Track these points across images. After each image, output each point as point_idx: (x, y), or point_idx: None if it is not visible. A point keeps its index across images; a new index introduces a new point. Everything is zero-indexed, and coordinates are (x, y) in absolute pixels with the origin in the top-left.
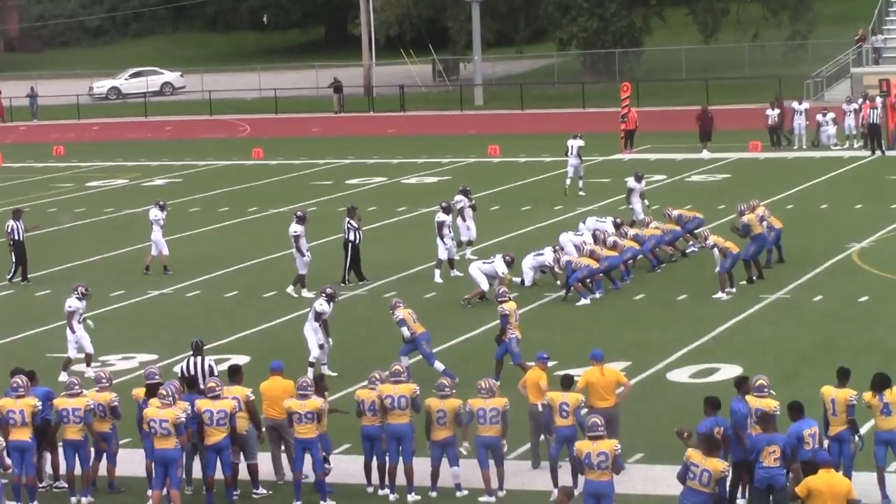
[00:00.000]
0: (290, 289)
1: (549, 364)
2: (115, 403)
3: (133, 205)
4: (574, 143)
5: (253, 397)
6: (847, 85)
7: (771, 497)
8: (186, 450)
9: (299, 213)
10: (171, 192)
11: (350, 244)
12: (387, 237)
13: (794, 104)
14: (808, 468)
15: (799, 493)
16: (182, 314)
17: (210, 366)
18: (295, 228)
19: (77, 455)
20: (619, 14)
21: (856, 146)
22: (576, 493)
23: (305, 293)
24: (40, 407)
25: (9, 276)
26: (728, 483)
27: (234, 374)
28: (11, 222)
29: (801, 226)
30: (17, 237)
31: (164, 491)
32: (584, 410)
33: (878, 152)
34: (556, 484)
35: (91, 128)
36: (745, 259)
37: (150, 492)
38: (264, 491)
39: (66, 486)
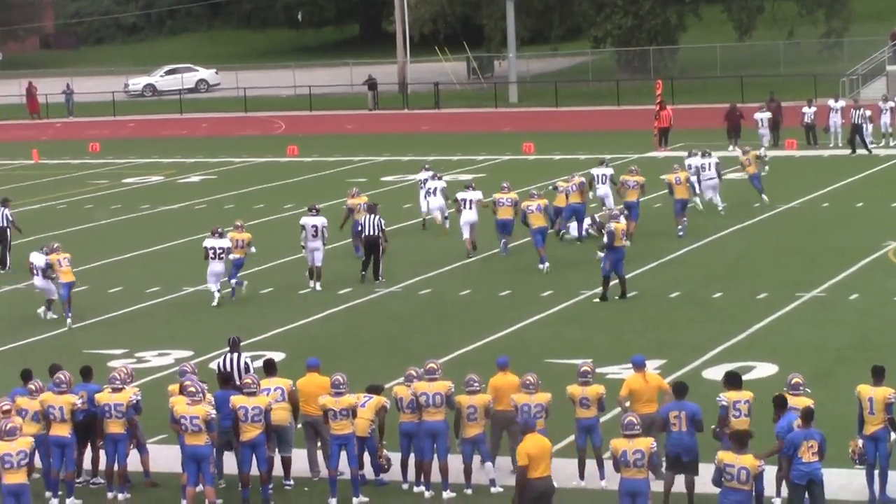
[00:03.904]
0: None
1: (580, 361)
2: (137, 399)
3: (168, 202)
4: (763, 116)
5: (295, 388)
6: (883, 83)
7: (807, 493)
8: (217, 444)
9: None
10: (206, 189)
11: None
12: (421, 234)
13: (830, 102)
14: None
15: (521, 464)
16: (218, 311)
17: (246, 363)
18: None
19: (116, 450)
20: (653, 11)
21: (892, 144)
22: (603, 485)
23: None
24: (79, 404)
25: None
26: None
27: (271, 369)
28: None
29: (836, 224)
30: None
31: (199, 487)
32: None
33: (863, 150)
34: (581, 475)
35: (126, 125)
36: (605, 275)
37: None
38: (292, 482)
39: (103, 482)
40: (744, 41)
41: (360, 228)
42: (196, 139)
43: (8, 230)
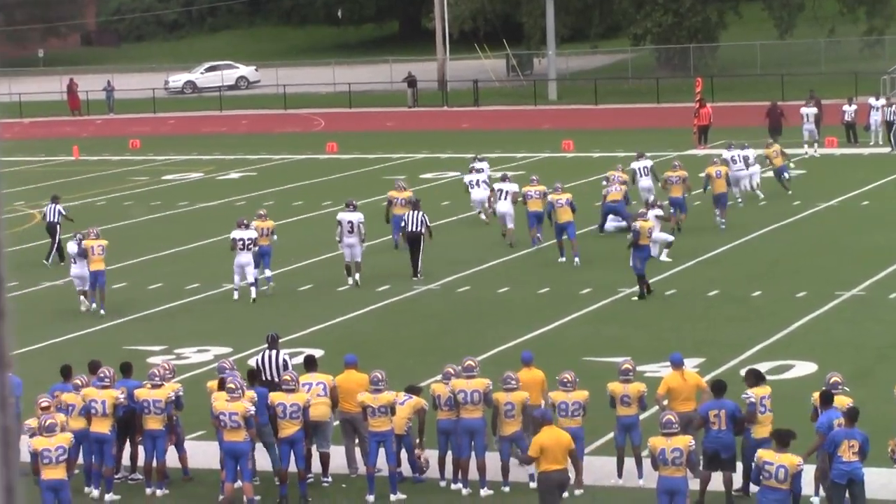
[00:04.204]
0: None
1: (620, 359)
2: (180, 394)
3: (208, 198)
4: (809, 112)
5: (335, 384)
6: None
7: (848, 491)
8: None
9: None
10: (245, 185)
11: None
12: (460, 231)
13: (871, 100)
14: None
15: (532, 454)
16: (256, 307)
17: (284, 360)
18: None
19: (154, 446)
20: (694, 9)
21: None
22: (641, 483)
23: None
24: (121, 399)
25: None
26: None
27: (312, 365)
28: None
29: (876, 222)
30: (50, 219)
31: (237, 483)
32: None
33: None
34: (620, 473)
35: (166, 121)
36: (639, 274)
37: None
38: (330, 479)
39: (142, 477)
40: (784, 39)
41: (403, 224)
42: (236, 136)
43: (58, 226)
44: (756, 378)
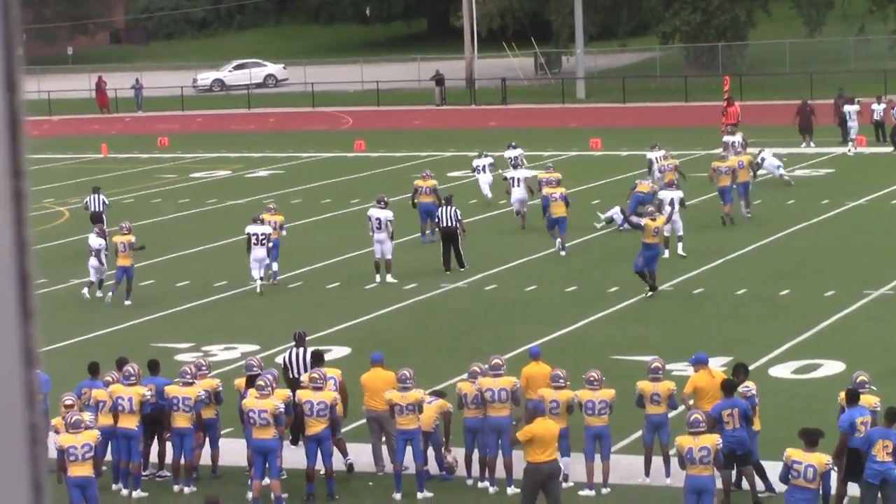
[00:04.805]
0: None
1: (649, 357)
2: (219, 389)
3: (236, 196)
4: (852, 109)
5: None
6: None
7: (880, 492)
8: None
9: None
10: (273, 183)
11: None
12: (487, 230)
13: None
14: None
15: (520, 438)
16: (284, 305)
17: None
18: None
19: (182, 444)
20: (722, 7)
21: None
22: (668, 482)
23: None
24: (148, 396)
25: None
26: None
27: (320, 360)
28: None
29: None
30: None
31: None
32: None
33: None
34: (647, 472)
35: (195, 119)
36: (637, 271)
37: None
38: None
39: (169, 474)
40: (813, 37)
41: (437, 220)
42: (264, 134)
43: (103, 215)
44: (746, 373)
